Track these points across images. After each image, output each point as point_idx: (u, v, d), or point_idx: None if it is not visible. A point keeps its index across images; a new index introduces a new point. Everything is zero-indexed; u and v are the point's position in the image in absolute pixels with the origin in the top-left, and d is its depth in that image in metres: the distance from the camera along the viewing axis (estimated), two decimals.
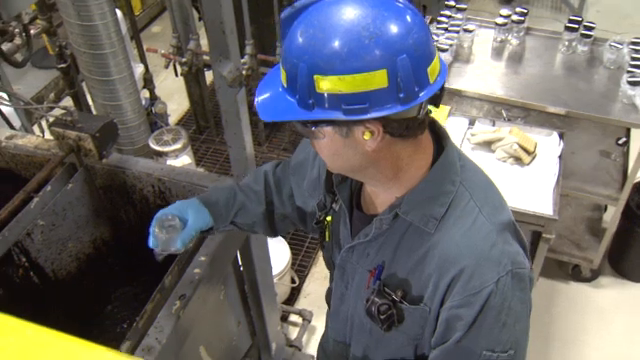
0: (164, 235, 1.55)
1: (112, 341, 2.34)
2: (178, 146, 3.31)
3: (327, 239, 1.51)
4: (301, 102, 1.09)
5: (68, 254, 2.35)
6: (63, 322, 2.19)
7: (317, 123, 1.12)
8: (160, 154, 3.31)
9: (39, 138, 2.51)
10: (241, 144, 2.17)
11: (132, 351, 1.74)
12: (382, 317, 1.28)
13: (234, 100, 2.02)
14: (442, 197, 1.22)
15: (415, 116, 1.12)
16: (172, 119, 4.75)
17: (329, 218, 1.48)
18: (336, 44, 1.03)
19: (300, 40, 1.07)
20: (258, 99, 1.17)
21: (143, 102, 3.86)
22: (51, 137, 2.40)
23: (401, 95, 1.05)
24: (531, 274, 1.25)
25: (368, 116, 1.06)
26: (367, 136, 1.11)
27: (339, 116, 1.07)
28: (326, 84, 1.05)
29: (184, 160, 3.32)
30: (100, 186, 2.43)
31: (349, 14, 1.04)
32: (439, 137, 1.29)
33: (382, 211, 1.29)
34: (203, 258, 2.00)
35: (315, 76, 1.05)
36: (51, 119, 2.34)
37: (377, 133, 1.11)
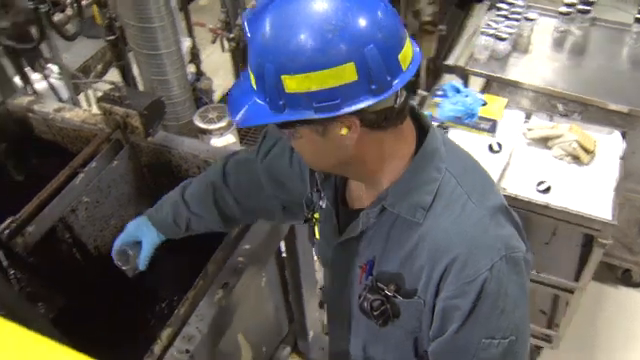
0: (126, 265, 1.74)
1: (153, 319, 2.33)
2: (223, 124, 3.25)
3: (317, 236, 1.48)
4: (272, 104, 1.07)
5: (110, 231, 2.34)
6: (105, 299, 2.18)
7: (291, 124, 1.10)
8: (204, 132, 3.25)
9: (86, 112, 2.49)
10: None
11: (172, 339, 1.71)
12: (375, 313, 1.26)
13: None
14: (428, 185, 1.18)
15: (392, 106, 1.09)
16: (216, 95, 4.70)
17: (317, 215, 1.45)
18: (300, 41, 1.00)
19: (263, 40, 1.04)
20: (230, 103, 1.15)
21: (189, 77, 3.83)
22: (98, 111, 2.37)
23: (373, 87, 1.02)
24: (527, 256, 1.21)
25: (341, 112, 1.03)
26: (344, 131, 1.09)
27: (311, 115, 1.04)
28: (294, 83, 1.02)
29: (228, 139, 3.27)
30: (145, 164, 2.40)
31: (310, 9, 1.01)
32: (421, 124, 1.25)
33: (368, 205, 1.26)
34: (248, 246, 1.96)
35: (282, 76, 1.02)
36: (99, 93, 2.31)
37: (354, 127, 1.09)
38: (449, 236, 1.15)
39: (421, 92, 3.47)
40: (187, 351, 1.68)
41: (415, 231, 1.19)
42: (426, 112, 2.88)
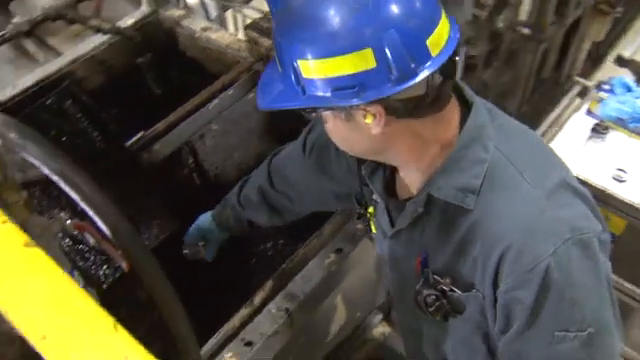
0: (196, 257, 1.80)
1: (255, 259, 2.30)
2: None
3: (374, 230, 1.41)
4: (291, 89, 1.02)
5: (232, 163, 2.29)
6: None
7: (314, 109, 1.06)
8: None
9: (232, 37, 2.42)
10: None
11: (273, 295, 1.65)
12: (430, 309, 1.20)
13: None
14: (475, 167, 1.08)
15: (423, 94, 1.01)
16: None
17: (371, 209, 1.38)
18: (315, 25, 0.96)
19: (282, 21, 1.01)
20: (258, 85, 1.11)
21: None
22: (243, 38, 2.30)
23: (394, 75, 0.96)
24: (603, 236, 1.08)
25: (359, 100, 0.98)
26: (369, 120, 1.03)
27: (329, 102, 1.00)
28: (311, 68, 0.98)
29: None
30: None
31: None
32: (465, 99, 1.14)
33: (416, 194, 1.17)
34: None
35: (299, 61, 0.98)
36: (247, 20, 2.23)
37: (379, 116, 1.02)
38: (501, 222, 1.05)
39: (580, 80, 3.11)
40: (287, 310, 1.61)
41: (466, 218, 1.09)
42: (584, 106, 2.58)
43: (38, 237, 1.18)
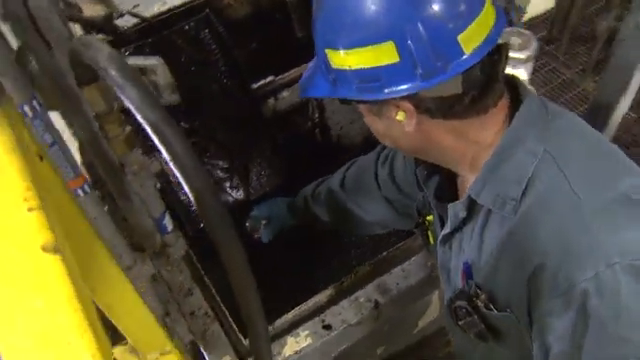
0: (254, 233, 1.74)
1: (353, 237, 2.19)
2: (521, 56, 2.79)
3: (431, 242, 1.30)
4: (324, 77, 1.00)
5: (358, 127, 2.16)
6: None
7: (347, 101, 1.00)
8: None
9: None
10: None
11: (365, 282, 1.53)
12: (460, 322, 1.10)
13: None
14: (517, 172, 0.96)
15: (459, 94, 0.92)
16: (527, 16, 4.15)
17: (430, 217, 1.28)
18: (342, 13, 0.90)
19: (318, 6, 0.95)
20: (305, 72, 1.08)
21: None
22: None
23: (419, 71, 0.89)
24: None
25: (382, 96, 0.92)
26: (400, 116, 0.96)
27: (355, 95, 0.95)
28: (338, 58, 0.94)
29: (520, 73, 2.83)
30: None
31: None
32: (517, 93, 1.02)
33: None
34: None
35: (326, 50, 0.95)
36: None
37: (410, 113, 0.95)
38: (539, 235, 0.92)
39: None
40: (375, 303, 1.49)
41: (505, 227, 0.98)
42: None
43: (134, 174, 1.15)
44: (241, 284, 0.94)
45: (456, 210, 1.07)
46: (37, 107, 0.91)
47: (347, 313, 1.47)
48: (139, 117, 0.78)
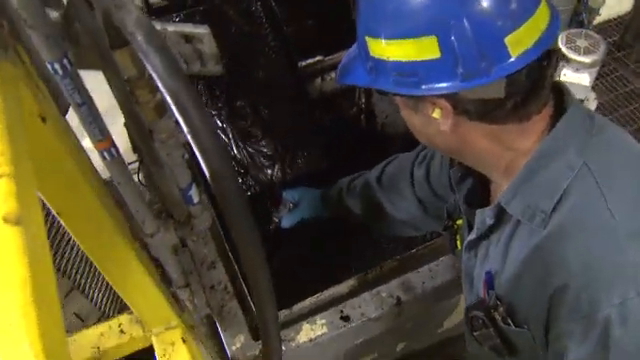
0: (276, 214, 1.73)
1: None
2: (586, 60, 2.65)
3: (459, 247, 1.24)
4: (363, 65, 0.96)
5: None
6: None
7: (382, 92, 0.97)
8: (562, 57, 2.73)
9: None
10: None
11: (389, 277, 1.48)
12: (475, 333, 1.07)
13: None
14: (551, 185, 0.91)
15: (501, 98, 0.87)
16: (599, 18, 3.95)
17: (460, 222, 1.23)
18: (387, 1, 0.87)
19: None
20: (345, 56, 1.05)
21: None
22: None
23: (460, 70, 0.84)
24: None
25: (418, 92, 0.88)
26: (436, 114, 0.91)
27: (391, 88, 0.91)
28: (377, 47, 0.90)
29: (582, 79, 2.69)
30: None
31: None
32: (562, 100, 0.96)
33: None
34: None
35: (366, 37, 0.91)
36: None
37: (446, 112, 0.91)
38: (566, 253, 0.88)
39: None
40: (398, 299, 1.45)
41: (532, 240, 0.93)
42: None
43: (162, 142, 1.13)
44: (253, 268, 0.91)
45: (484, 217, 1.03)
46: (68, 66, 0.90)
47: (367, 306, 1.44)
48: (160, 85, 0.76)
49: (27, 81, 0.52)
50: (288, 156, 1.86)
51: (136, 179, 2.16)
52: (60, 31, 1.17)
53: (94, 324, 1.23)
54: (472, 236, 1.09)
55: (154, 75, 0.75)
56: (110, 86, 1.30)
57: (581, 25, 3.28)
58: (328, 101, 1.90)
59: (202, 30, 1.52)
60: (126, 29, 0.76)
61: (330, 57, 1.81)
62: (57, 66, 0.90)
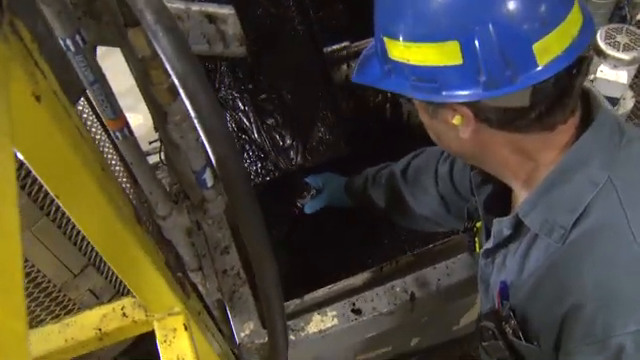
0: (300, 199, 1.71)
1: None
2: (625, 57, 2.56)
3: (477, 249, 1.20)
4: (381, 66, 0.91)
5: None
6: None
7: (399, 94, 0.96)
8: (600, 52, 2.63)
9: None
10: None
11: (404, 272, 1.45)
12: (484, 344, 1.04)
13: None
14: (573, 199, 0.87)
15: (525, 107, 0.82)
16: None
17: (479, 224, 1.19)
18: (406, 1, 0.81)
19: None
20: (362, 54, 1.01)
21: None
22: None
23: (482, 78, 0.79)
24: None
25: (437, 98, 0.84)
26: (457, 121, 0.87)
27: (409, 92, 0.87)
28: (395, 49, 0.86)
29: (620, 77, 2.59)
30: None
31: None
32: (590, 109, 0.91)
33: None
34: None
35: (385, 37, 0.87)
36: None
37: (467, 119, 0.86)
38: (582, 272, 0.84)
39: None
40: (412, 295, 1.42)
41: (549, 254, 0.90)
42: None
43: (175, 124, 1.11)
44: (259, 257, 0.90)
45: (501, 227, 1.00)
46: (80, 43, 0.88)
47: (380, 300, 1.41)
48: (168, 66, 0.73)
49: (22, 59, 0.49)
50: (309, 142, 1.82)
51: (158, 159, 2.17)
52: (82, 6, 1.16)
53: (105, 303, 1.23)
54: (489, 245, 1.05)
55: (162, 56, 0.73)
56: (128, 65, 1.29)
57: (623, 20, 3.17)
58: (353, 88, 1.86)
59: (226, 10, 1.49)
60: (135, 7, 0.74)
61: (357, 44, 1.77)
62: (69, 42, 0.88)
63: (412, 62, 0.84)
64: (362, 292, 1.42)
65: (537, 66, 0.79)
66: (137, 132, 1.12)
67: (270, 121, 1.79)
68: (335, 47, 1.75)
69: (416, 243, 1.77)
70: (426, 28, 0.80)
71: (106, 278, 1.75)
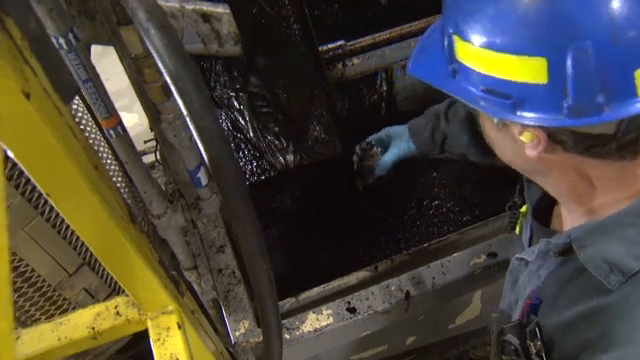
0: (362, 162, 1.56)
1: (417, 212, 2.10)
2: None
3: (517, 232, 1.13)
4: (443, 63, 0.81)
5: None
6: None
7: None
8: None
9: None
10: None
11: (400, 271, 1.45)
12: (504, 358, 0.95)
13: None
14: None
15: (608, 134, 0.73)
16: None
17: (524, 209, 1.10)
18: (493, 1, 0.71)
19: None
20: (418, 43, 0.90)
21: None
22: None
23: (568, 102, 0.69)
24: None
25: (511, 117, 0.74)
26: (526, 138, 0.78)
27: (475, 102, 0.76)
28: (466, 52, 0.76)
29: None
30: None
31: None
32: None
33: (559, 233, 0.91)
34: None
35: (456, 36, 0.77)
36: None
37: (538, 140, 0.77)
38: (633, 328, 0.76)
39: None
40: (407, 294, 1.42)
41: (599, 296, 0.81)
42: None
43: (169, 123, 1.11)
44: (252, 256, 0.90)
45: (548, 248, 0.91)
46: (73, 41, 0.88)
47: (375, 299, 1.41)
48: (160, 65, 0.73)
49: (11, 57, 0.49)
50: (305, 142, 1.82)
51: (154, 158, 2.16)
52: (76, 5, 1.15)
53: (101, 301, 1.23)
54: (530, 257, 0.97)
55: (154, 54, 0.73)
56: (122, 64, 1.29)
57: None
58: (349, 87, 1.86)
59: (221, 9, 1.49)
60: (128, 5, 0.74)
61: (352, 43, 1.77)
62: (62, 41, 0.88)
63: (485, 71, 0.74)
64: (357, 291, 1.42)
65: (635, 96, 0.69)
66: (133, 132, 1.12)
67: (266, 120, 1.79)
68: (330, 46, 1.74)
69: (413, 242, 1.76)
70: (509, 37, 0.70)
71: (101, 277, 1.74)
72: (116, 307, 0.93)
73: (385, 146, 1.54)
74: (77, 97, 1.68)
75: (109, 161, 1.89)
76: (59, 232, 1.55)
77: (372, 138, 1.58)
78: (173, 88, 0.73)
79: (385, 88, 1.93)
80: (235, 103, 1.72)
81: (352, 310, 1.40)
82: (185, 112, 0.74)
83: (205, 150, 0.76)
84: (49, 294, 1.60)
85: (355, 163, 1.60)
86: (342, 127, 1.88)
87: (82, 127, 1.77)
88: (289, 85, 1.73)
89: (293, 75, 1.72)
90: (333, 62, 1.78)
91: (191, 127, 0.75)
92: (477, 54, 0.74)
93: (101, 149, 1.89)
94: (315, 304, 1.42)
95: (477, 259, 1.46)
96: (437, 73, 0.82)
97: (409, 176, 2.09)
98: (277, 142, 1.79)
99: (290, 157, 1.80)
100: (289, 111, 1.76)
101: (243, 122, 1.74)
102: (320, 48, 1.73)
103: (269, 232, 1.92)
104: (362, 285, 1.45)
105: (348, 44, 1.77)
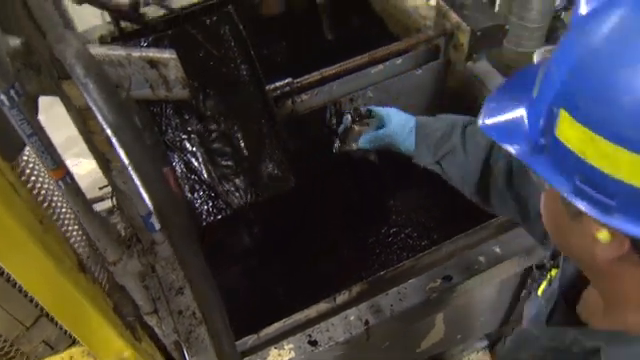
0: (351, 125, 1.50)
1: (376, 239, 2.14)
2: None
3: (539, 293, 1.05)
4: (529, 132, 0.69)
5: None
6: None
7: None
8: None
9: (423, 1, 2.18)
10: None
11: (358, 300, 1.47)
12: None
13: None
14: None
15: None
16: None
17: (554, 272, 1.02)
18: (618, 81, 0.57)
19: (577, 44, 0.63)
20: (491, 95, 0.79)
21: (557, 3, 3.26)
22: (433, 5, 2.06)
23: None
24: None
25: (606, 220, 0.62)
26: (602, 236, 0.66)
27: (563, 190, 0.65)
28: (569, 131, 0.63)
29: None
30: (449, 90, 2.05)
31: None
32: None
33: (586, 329, 0.86)
34: (498, 250, 1.56)
35: (560, 109, 0.63)
36: None
37: (618, 244, 0.66)
38: None
39: None
40: (366, 323, 1.43)
41: None
42: None
43: (118, 171, 1.13)
44: (203, 300, 0.91)
45: (572, 342, 0.87)
46: (15, 97, 0.89)
47: (335, 330, 1.42)
48: (99, 118, 0.75)
49: None
50: (259, 179, 1.85)
51: (111, 204, 2.15)
52: (20, 58, 1.17)
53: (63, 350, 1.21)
54: (547, 341, 0.94)
55: (93, 107, 0.75)
56: (69, 115, 1.30)
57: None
58: (299, 123, 1.90)
59: (167, 55, 1.51)
60: (65, 61, 0.76)
61: (300, 79, 1.81)
62: (3, 97, 0.89)
63: (589, 160, 0.62)
64: (318, 323, 1.43)
65: None
66: (91, 177, 1.13)
67: (219, 160, 1.81)
68: (278, 84, 1.78)
69: (372, 270, 1.80)
70: (631, 131, 0.57)
71: (60, 328, 1.71)
72: (71, 358, 0.92)
73: (381, 125, 1.45)
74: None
75: (64, 210, 1.88)
76: (14, 286, 1.53)
77: (374, 108, 1.49)
78: (114, 140, 0.75)
79: (335, 121, 1.97)
80: (187, 145, 1.74)
81: (313, 343, 1.41)
82: (127, 163, 0.76)
83: (149, 199, 0.77)
84: (5, 349, 1.57)
85: (343, 124, 1.53)
86: (295, 162, 1.92)
87: (34, 178, 1.76)
88: (239, 125, 1.77)
89: (242, 115, 1.76)
90: (282, 99, 1.82)
91: (134, 176, 0.77)
92: (586, 138, 0.61)
93: (57, 198, 1.88)
94: (276, 339, 1.42)
95: (433, 283, 1.49)
96: (515, 139, 0.71)
97: (367, 203, 2.13)
98: (232, 181, 1.81)
99: (246, 195, 1.82)
100: (241, 150, 1.79)
101: (197, 164, 1.76)
102: (268, 87, 1.77)
103: (230, 271, 1.93)
104: (322, 317, 1.46)
105: (295, 81, 1.81)
